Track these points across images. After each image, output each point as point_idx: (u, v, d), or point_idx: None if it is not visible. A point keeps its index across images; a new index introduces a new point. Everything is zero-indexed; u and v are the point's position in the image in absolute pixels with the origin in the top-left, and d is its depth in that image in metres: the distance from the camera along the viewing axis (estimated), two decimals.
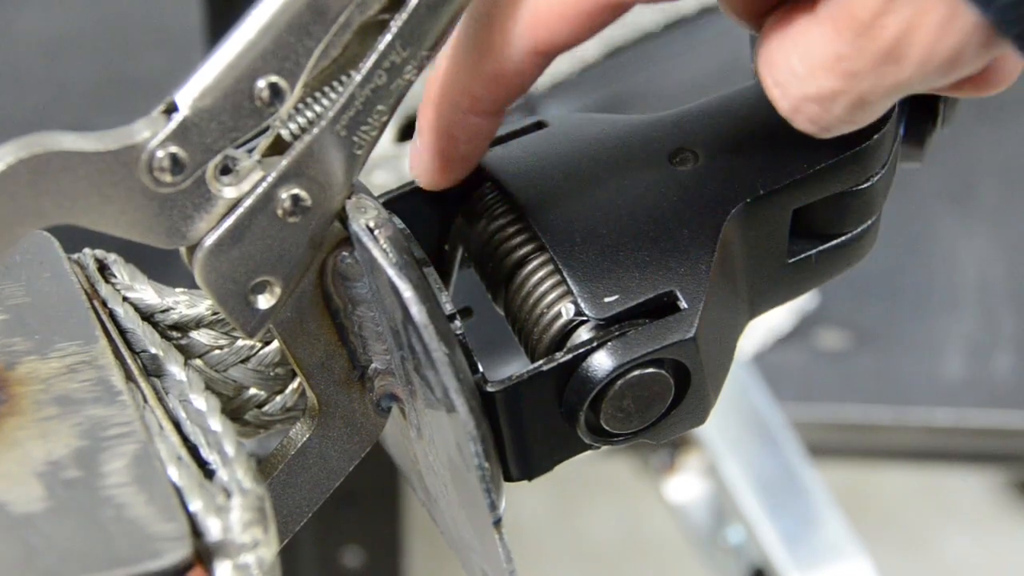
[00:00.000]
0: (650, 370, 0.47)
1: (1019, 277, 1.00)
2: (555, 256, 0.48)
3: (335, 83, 0.45)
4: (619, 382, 0.46)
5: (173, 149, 0.43)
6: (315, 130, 0.44)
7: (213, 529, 0.42)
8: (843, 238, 0.52)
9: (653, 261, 0.48)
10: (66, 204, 0.43)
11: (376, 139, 0.46)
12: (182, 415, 0.47)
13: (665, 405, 0.48)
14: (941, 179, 1.03)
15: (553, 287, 0.49)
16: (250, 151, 0.45)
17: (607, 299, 0.47)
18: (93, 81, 1.11)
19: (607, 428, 0.48)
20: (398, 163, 0.83)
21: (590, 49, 0.96)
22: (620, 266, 0.48)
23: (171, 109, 0.43)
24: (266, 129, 0.44)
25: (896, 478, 1.53)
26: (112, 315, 0.49)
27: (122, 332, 0.49)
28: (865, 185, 0.51)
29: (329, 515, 1.05)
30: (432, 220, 0.53)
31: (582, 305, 0.47)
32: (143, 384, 0.47)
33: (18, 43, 1.13)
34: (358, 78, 0.44)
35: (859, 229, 0.52)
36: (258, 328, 0.47)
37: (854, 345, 0.99)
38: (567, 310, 0.48)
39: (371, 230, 0.46)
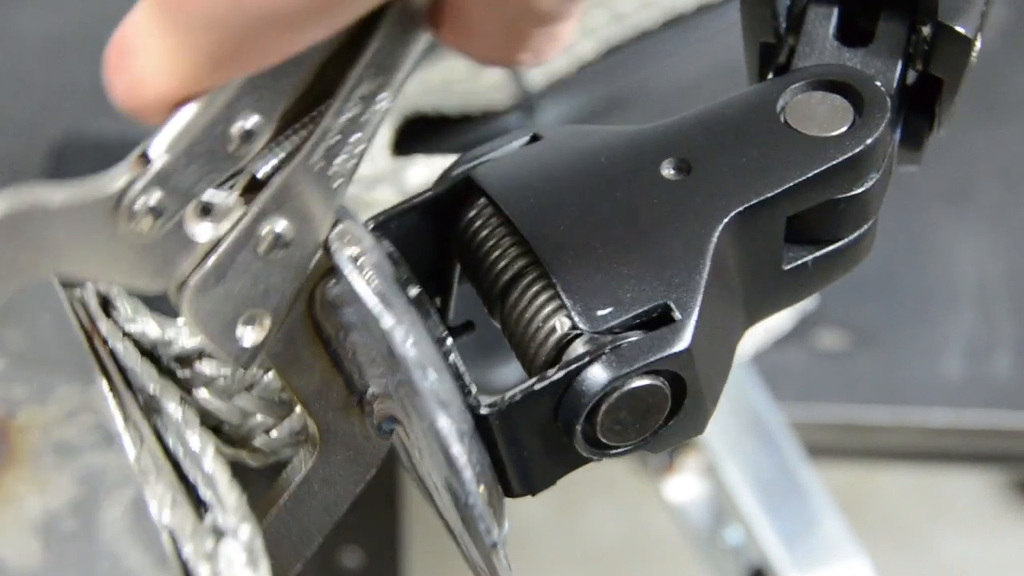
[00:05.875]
0: (646, 382, 0.47)
1: (1019, 278, 1.00)
2: (549, 270, 0.48)
3: (309, 116, 0.44)
4: (615, 395, 0.46)
5: (151, 197, 0.43)
6: (291, 165, 0.44)
7: (203, 575, 0.43)
8: (839, 244, 0.52)
9: (647, 273, 0.48)
10: (47, 260, 0.43)
11: (355, 167, 0.45)
12: (180, 452, 0.48)
13: (662, 416, 0.48)
14: (940, 179, 1.03)
15: (547, 301, 0.49)
16: (230, 188, 0.44)
17: (601, 312, 0.47)
18: (93, 81, 1.11)
19: (604, 441, 0.48)
20: (399, 177, 0.83)
21: (587, 47, 0.96)
22: (614, 278, 0.48)
23: (146, 155, 0.43)
24: (244, 167, 0.44)
25: (895, 478, 1.53)
26: (112, 352, 0.49)
27: (122, 370, 0.49)
28: (860, 190, 0.50)
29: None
30: (431, 235, 0.53)
31: (576, 319, 0.47)
32: (141, 424, 0.48)
33: (18, 43, 1.13)
34: (331, 110, 0.44)
35: (855, 234, 0.52)
36: (251, 361, 0.47)
37: (853, 345, 0.98)
38: (561, 324, 0.48)
39: (355, 259, 0.46)
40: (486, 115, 0.93)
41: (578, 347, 0.47)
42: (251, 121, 0.43)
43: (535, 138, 0.54)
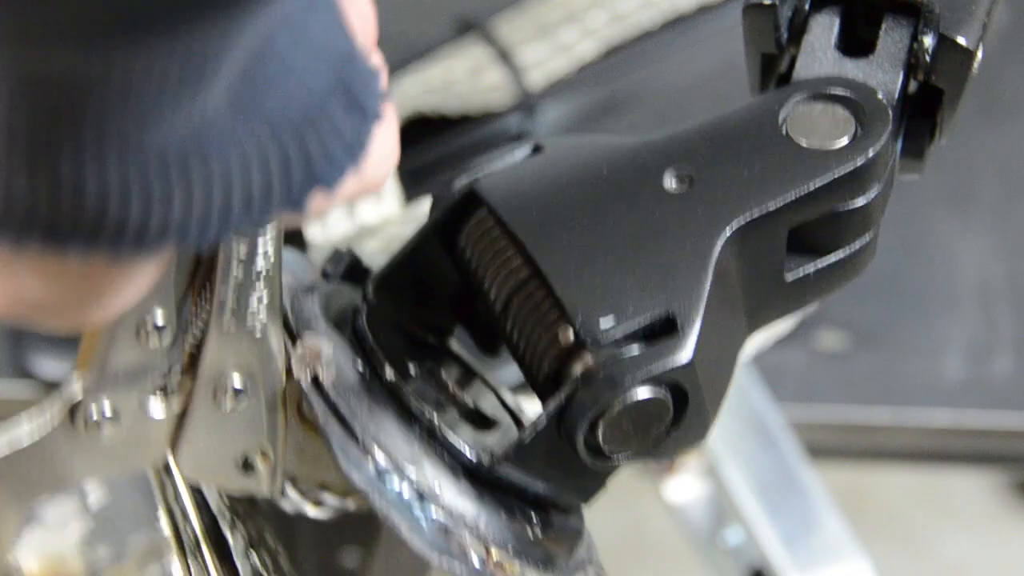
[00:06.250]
0: (648, 393, 0.46)
1: (1019, 278, 1.00)
2: (551, 281, 0.48)
3: (207, 286, 0.47)
4: (617, 406, 0.46)
5: (99, 410, 0.46)
6: (210, 336, 0.47)
7: None
8: (841, 254, 0.52)
9: (649, 284, 0.48)
10: (38, 488, 0.47)
11: (275, 312, 0.47)
12: (239, 570, 0.51)
13: (664, 426, 0.48)
14: (941, 180, 1.03)
15: (549, 312, 0.48)
16: (177, 361, 0.47)
17: (603, 323, 0.47)
18: None
19: (607, 450, 0.48)
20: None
21: (587, 47, 0.96)
22: (616, 290, 0.48)
23: (81, 374, 0.46)
24: (176, 345, 0.47)
25: (895, 479, 1.53)
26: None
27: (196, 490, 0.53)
28: (861, 202, 0.50)
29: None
30: (448, 259, 0.53)
31: (579, 330, 0.47)
32: (207, 552, 0.51)
33: None
34: (217, 282, 0.46)
35: (857, 245, 0.52)
36: (272, 484, 0.49)
37: (854, 346, 0.98)
38: (564, 335, 0.48)
39: (314, 381, 0.47)
40: (486, 115, 0.93)
41: (581, 359, 0.47)
42: (155, 315, 0.46)
43: (537, 149, 0.54)
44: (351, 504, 0.55)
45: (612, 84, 0.98)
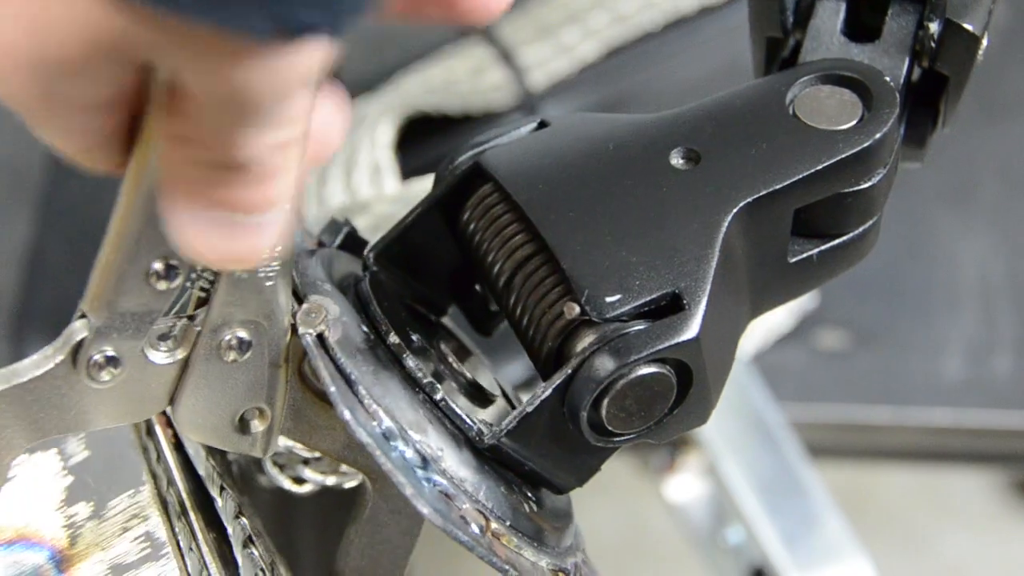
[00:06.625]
0: (652, 370, 0.47)
1: (1019, 277, 1.00)
2: (557, 256, 0.48)
3: None
4: (621, 382, 0.46)
5: (102, 352, 0.45)
6: (220, 281, 0.46)
7: None
8: (844, 238, 0.52)
9: (655, 261, 0.48)
10: (33, 430, 0.46)
11: (286, 264, 0.46)
12: (229, 532, 0.51)
13: (667, 405, 0.48)
14: (941, 179, 1.03)
15: (555, 287, 0.48)
16: (183, 308, 0.46)
17: (609, 299, 0.47)
18: None
19: (610, 428, 0.48)
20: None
21: (589, 48, 0.96)
22: (622, 266, 0.48)
23: (85, 315, 0.45)
24: (185, 291, 0.46)
25: (896, 478, 1.53)
26: (176, 436, 0.52)
27: (181, 448, 0.53)
28: (866, 185, 0.50)
29: (329, 515, 1.05)
30: (449, 234, 0.53)
31: (585, 305, 0.47)
32: (192, 515, 0.51)
33: None
34: None
35: (860, 229, 0.52)
36: (266, 446, 0.49)
37: (854, 345, 0.98)
38: (569, 310, 0.48)
39: (319, 339, 0.47)
40: (487, 115, 0.93)
41: (586, 334, 0.47)
42: (163, 258, 0.44)
43: (543, 124, 0.54)
44: (331, 480, 0.55)
45: (613, 85, 0.98)
